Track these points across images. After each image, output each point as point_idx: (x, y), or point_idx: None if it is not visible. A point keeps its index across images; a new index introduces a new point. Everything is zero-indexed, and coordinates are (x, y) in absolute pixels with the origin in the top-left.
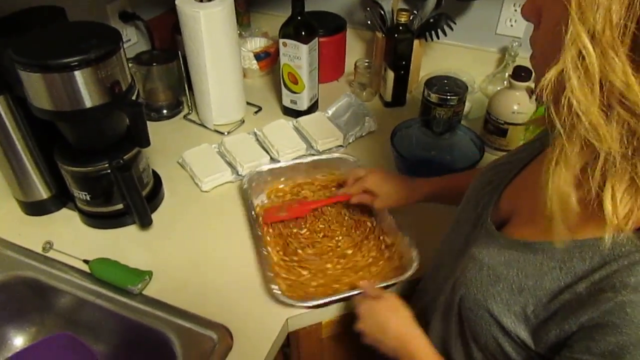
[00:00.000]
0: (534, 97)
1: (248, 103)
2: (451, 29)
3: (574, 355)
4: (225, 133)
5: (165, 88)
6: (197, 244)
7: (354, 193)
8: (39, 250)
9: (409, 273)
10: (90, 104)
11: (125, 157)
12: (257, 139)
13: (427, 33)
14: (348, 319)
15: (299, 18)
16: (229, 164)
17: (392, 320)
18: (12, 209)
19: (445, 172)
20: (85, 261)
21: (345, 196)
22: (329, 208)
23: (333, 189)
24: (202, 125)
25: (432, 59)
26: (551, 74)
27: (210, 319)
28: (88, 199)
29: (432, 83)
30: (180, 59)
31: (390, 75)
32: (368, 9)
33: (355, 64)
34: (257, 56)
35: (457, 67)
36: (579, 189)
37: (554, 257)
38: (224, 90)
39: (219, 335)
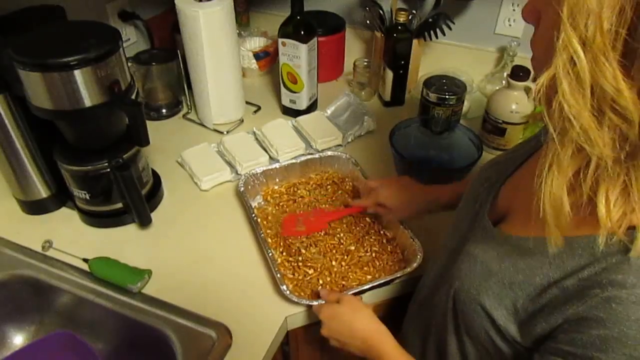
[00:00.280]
0: (532, 96)
1: (247, 102)
2: (450, 28)
3: (557, 346)
4: (225, 132)
5: (164, 87)
6: (196, 243)
7: (368, 205)
8: (39, 249)
9: (415, 264)
10: (89, 103)
11: (124, 156)
12: (256, 138)
13: (425, 33)
14: None
15: (298, 17)
16: (228, 163)
17: (356, 320)
18: (12, 208)
19: (444, 171)
20: (85, 260)
21: (360, 208)
22: (328, 206)
23: (328, 187)
24: (202, 124)
25: (431, 59)
26: (543, 79)
27: (210, 318)
28: (87, 198)
29: (431, 82)
30: (180, 58)
31: (389, 74)
32: (367, 8)
33: (354, 64)
34: (257, 55)
35: (455, 66)
36: (572, 192)
37: (545, 252)
38: (223, 90)
39: (218, 333)
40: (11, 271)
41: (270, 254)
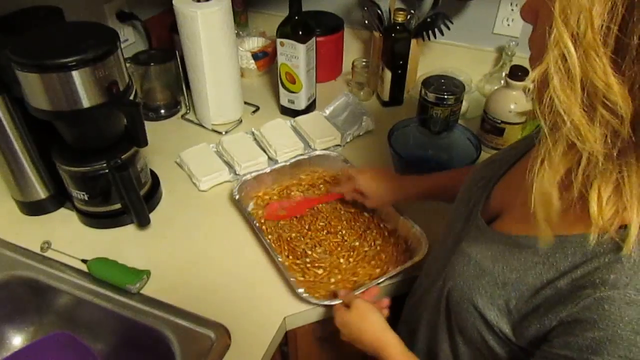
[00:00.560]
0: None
1: (246, 102)
2: (448, 28)
3: (553, 350)
4: (223, 132)
5: (162, 88)
6: (194, 243)
7: (346, 192)
8: (37, 250)
9: (422, 252)
10: (87, 104)
11: (123, 157)
12: (255, 139)
13: (424, 32)
14: None
15: (297, 18)
16: (227, 164)
17: (363, 328)
18: (10, 209)
19: (442, 171)
20: (84, 261)
21: (339, 195)
22: (325, 205)
23: (321, 186)
24: (200, 124)
25: (430, 59)
26: (534, 74)
27: (208, 318)
28: (86, 198)
29: (430, 82)
30: (178, 58)
31: (388, 74)
32: (365, 8)
33: (352, 64)
34: (255, 56)
35: (454, 66)
36: (565, 190)
37: (538, 252)
38: (221, 90)
39: (217, 334)
40: (10, 272)
41: (279, 259)
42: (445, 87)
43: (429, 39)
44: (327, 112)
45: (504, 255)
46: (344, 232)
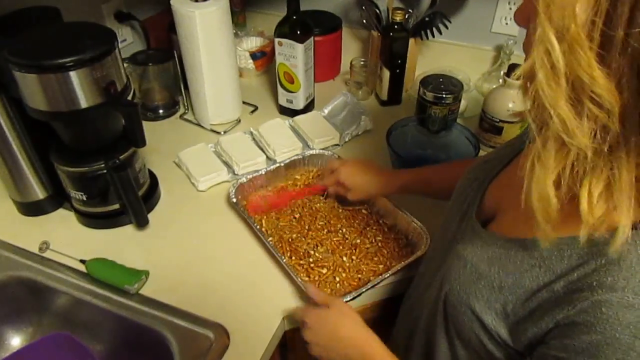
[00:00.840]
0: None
1: (244, 102)
2: (446, 27)
3: (550, 352)
4: (222, 132)
5: (161, 88)
6: (193, 244)
7: (329, 185)
8: (36, 250)
9: (424, 245)
10: (85, 104)
11: (121, 157)
12: (254, 139)
13: (422, 31)
14: None
15: (295, 17)
16: (225, 164)
17: (344, 325)
18: (8, 210)
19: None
20: (82, 261)
21: (322, 187)
22: (322, 205)
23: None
24: (198, 124)
25: (428, 58)
26: (521, 70)
27: (207, 318)
28: (84, 199)
29: (428, 81)
30: (176, 58)
31: (386, 74)
32: (363, 7)
33: (351, 63)
34: (253, 55)
35: (452, 65)
36: (559, 188)
37: (533, 254)
38: (219, 90)
39: (216, 334)
40: (8, 273)
41: (284, 261)
42: (444, 86)
43: (427, 38)
44: (326, 111)
45: (499, 258)
46: (344, 230)
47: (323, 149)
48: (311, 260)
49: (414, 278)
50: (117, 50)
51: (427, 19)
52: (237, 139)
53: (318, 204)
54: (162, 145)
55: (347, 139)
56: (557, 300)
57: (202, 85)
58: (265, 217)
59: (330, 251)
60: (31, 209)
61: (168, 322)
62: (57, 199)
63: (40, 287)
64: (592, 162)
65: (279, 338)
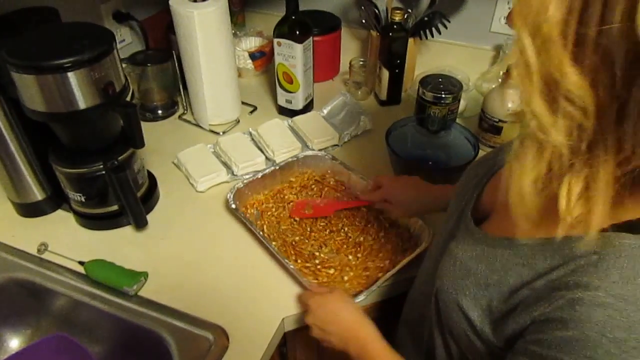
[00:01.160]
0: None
1: (243, 103)
2: (445, 27)
3: (526, 346)
4: (221, 133)
5: (159, 88)
6: (192, 245)
7: (375, 200)
8: (34, 252)
9: (427, 238)
10: (84, 105)
11: (119, 158)
12: (253, 139)
13: (421, 31)
14: None
15: (294, 17)
16: (225, 164)
17: (343, 310)
18: (7, 211)
19: (440, 170)
20: (81, 262)
21: (368, 201)
22: (320, 205)
23: (313, 186)
24: (197, 125)
25: (427, 58)
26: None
27: (206, 320)
28: (83, 200)
29: (427, 81)
30: (175, 59)
31: (385, 73)
32: (362, 7)
33: (350, 63)
34: (252, 55)
35: (451, 65)
36: (538, 185)
37: (519, 253)
38: (218, 90)
39: (215, 335)
40: (7, 274)
41: (291, 267)
42: (443, 86)
43: (426, 37)
44: (325, 111)
45: (487, 256)
46: (346, 229)
47: (322, 149)
48: (317, 261)
49: (414, 278)
50: (115, 51)
51: (426, 18)
52: (236, 139)
53: (317, 204)
54: (161, 146)
55: (346, 139)
56: (537, 297)
57: (201, 86)
58: (266, 222)
59: (335, 251)
60: (29, 210)
61: (167, 323)
62: (55, 200)
63: (38, 289)
64: (568, 160)
65: (279, 339)
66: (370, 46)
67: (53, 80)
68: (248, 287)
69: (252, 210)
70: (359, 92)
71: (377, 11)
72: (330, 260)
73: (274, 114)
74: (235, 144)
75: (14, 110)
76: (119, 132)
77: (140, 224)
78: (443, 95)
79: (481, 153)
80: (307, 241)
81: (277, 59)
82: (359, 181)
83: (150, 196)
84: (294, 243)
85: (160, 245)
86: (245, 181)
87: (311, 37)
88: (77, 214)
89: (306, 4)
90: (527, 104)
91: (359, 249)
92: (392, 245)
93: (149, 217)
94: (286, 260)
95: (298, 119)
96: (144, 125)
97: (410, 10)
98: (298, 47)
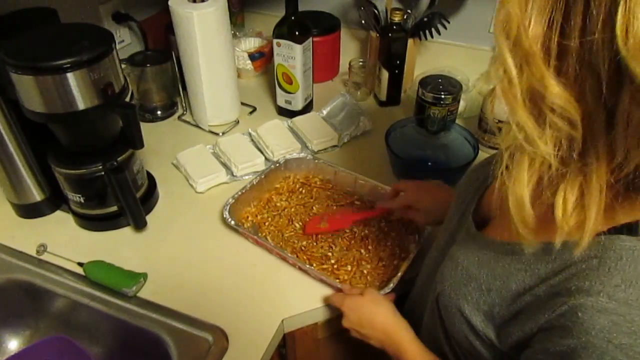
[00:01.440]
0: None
1: (242, 103)
2: (445, 27)
3: (534, 356)
4: (220, 134)
5: (159, 89)
6: (192, 246)
7: (395, 208)
8: (33, 253)
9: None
10: (83, 106)
11: (119, 159)
12: (252, 140)
13: (421, 32)
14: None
15: (293, 18)
16: (224, 165)
17: (377, 313)
18: (6, 212)
19: (440, 171)
20: (80, 264)
21: (386, 210)
22: (316, 207)
23: (301, 189)
24: (197, 126)
25: (426, 58)
26: (480, 86)
27: (206, 321)
28: (82, 201)
29: (427, 82)
30: (174, 59)
31: (385, 74)
32: (362, 8)
33: (349, 64)
34: (252, 56)
35: (451, 65)
36: (534, 195)
37: (521, 259)
38: (218, 91)
39: (215, 336)
40: (5, 275)
41: (314, 270)
42: (443, 86)
43: (425, 38)
44: (324, 112)
45: (489, 261)
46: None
47: (322, 149)
48: (333, 261)
49: (414, 279)
50: (114, 52)
51: (425, 19)
52: (235, 140)
53: (314, 208)
54: (160, 146)
55: (345, 140)
56: (540, 304)
57: (201, 86)
58: (269, 233)
59: (345, 248)
60: (28, 211)
61: (166, 324)
62: (54, 201)
63: (37, 290)
64: (558, 170)
65: (278, 340)
66: (370, 47)
67: (52, 81)
68: (248, 288)
69: (247, 224)
70: (359, 93)
71: (376, 12)
72: (345, 257)
73: (273, 114)
74: (234, 144)
75: (13, 111)
76: (118, 133)
77: (140, 225)
78: (443, 96)
79: (481, 154)
80: (315, 244)
81: (277, 60)
82: (346, 177)
83: (149, 197)
84: (303, 248)
85: (160, 246)
86: (236, 196)
87: (310, 38)
88: (76, 215)
89: (305, 5)
90: (513, 117)
91: (367, 241)
92: (397, 232)
93: (148, 218)
94: (307, 266)
95: (297, 119)
96: (143, 126)
97: (409, 11)
98: (297, 48)
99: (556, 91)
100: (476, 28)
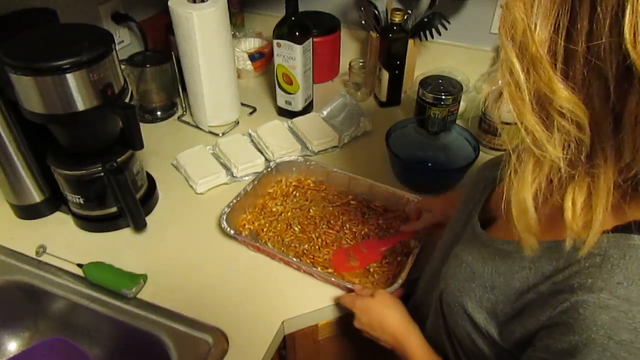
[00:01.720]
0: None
1: (242, 104)
2: (445, 28)
3: (536, 354)
4: (220, 134)
5: (159, 89)
6: (191, 247)
7: (423, 227)
8: (32, 254)
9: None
10: (82, 107)
11: (118, 160)
12: (252, 140)
13: (421, 32)
14: (344, 320)
15: (293, 18)
16: (224, 166)
17: (386, 315)
18: (5, 213)
19: (440, 172)
20: (79, 265)
21: (412, 233)
22: (314, 209)
23: (295, 192)
24: (197, 126)
25: (427, 59)
26: (487, 90)
27: (206, 322)
28: (81, 202)
29: (427, 83)
30: (174, 60)
31: (385, 75)
32: (362, 8)
33: (349, 64)
34: (251, 57)
35: (451, 66)
36: (538, 198)
37: (525, 257)
38: (218, 91)
39: (215, 338)
40: (5, 277)
41: (325, 274)
42: (443, 87)
43: (426, 39)
44: (325, 113)
45: (494, 259)
46: (347, 225)
47: (322, 150)
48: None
49: (417, 280)
50: (114, 52)
51: (426, 19)
52: (235, 140)
53: (311, 210)
54: (160, 147)
55: (346, 141)
56: (542, 301)
57: (200, 87)
58: (269, 239)
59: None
60: (28, 212)
61: (166, 326)
62: (54, 202)
63: (37, 292)
64: (567, 172)
65: (279, 342)
66: (370, 47)
67: (51, 81)
68: (248, 290)
69: (245, 232)
70: (359, 94)
71: (376, 12)
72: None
73: (273, 115)
74: (234, 145)
75: (12, 112)
76: (118, 134)
77: (139, 226)
78: (443, 97)
79: (481, 155)
80: (318, 248)
81: (277, 60)
82: (339, 177)
83: (149, 198)
84: (305, 252)
85: (160, 247)
86: (231, 205)
87: (311, 38)
88: (75, 216)
89: (305, 5)
90: (521, 121)
91: (368, 239)
92: (394, 227)
93: (148, 219)
94: (314, 269)
95: (298, 120)
96: (143, 127)
97: (410, 11)
98: (297, 48)
99: (564, 95)
100: (476, 28)
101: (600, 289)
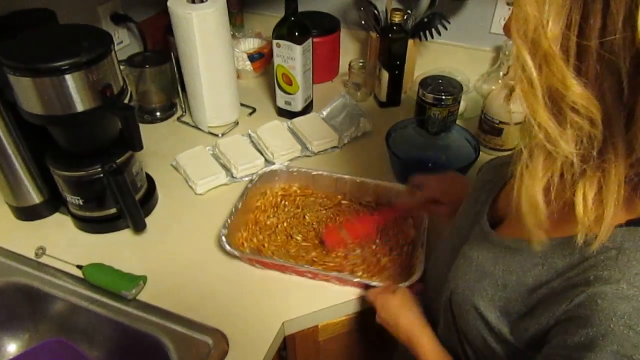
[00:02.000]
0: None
1: (242, 104)
2: (445, 28)
3: (552, 351)
4: (220, 135)
5: (158, 90)
6: (191, 248)
7: (415, 204)
8: (32, 255)
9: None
10: (81, 108)
11: (117, 161)
12: (252, 141)
13: (421, 33)
14: (344, 321)
15: (293, 18)
16: (224, 166)
17: (402, 316)
18: (4, 214)
19: (440, 172)
20: (79, 266)
21: (406, 206)
22: (309, 215)
23: (284, 202)
24: (196, 127)
25: (427, 59)
26: (501, 86)
27: (206, 324)
28: (81, 203)
29: (427, 83)
30: (173, 60)
31: (385, 75)
32: (362, 8)
33: (349, 64)
34: (251, 57)
35: (451, 66)
36: (549, 194)
37: (537, 254)
38: (217, 92)
39: (215, 340)
40: (4, 278)
41: (344, 276)
42: (443, 87)
43: (426, 39)
44: (324, 113)
45: (504, 257)
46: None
47: (322, 150)
48: (349, 263)
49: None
50: (113, 53)
51: (426, 20)
52: (235, 141)
53: (306, 217)
54: (159, 148)
55: (346, 141)
56: (556, 296)
57: (200, 87)
58: (273, 254)
59: (361, 246)
60: (27, 213)
61: (166, 328)
62: (53, 203)
63: (36, 293)
64: (579, 167)
65: (279, 343)
66: (370, 47)
67: (50, 82)
68: (248, 291)
69: (246, 250)
70: (359, 94)
71: (376, 12)
72: (358, 256)
73: (273, 115)
74: (234, 146)
75: (11, 113)
76: (117, 135)
77: (139, 227)
78: (443, 97)
79: (481, 155)
80: (324, 253)
81: (276, 61)
82: (324, 178)
83: (148, 199)
84: (315, 260)
85: (159, 248)
86: (228, 222)
87: (310, 39)
88: (75, 217)
89: (305, 5)
90: (533, 118)
91: (359, 215)
92: (397, 222)
93: (147, 220)
94: (332, 273)
95: (297, 120)
96: (142, 128)
97: (410, 12)
98: (297, 49)
99: (578, 91)
100: (476, 29)
101: (618, 280)
